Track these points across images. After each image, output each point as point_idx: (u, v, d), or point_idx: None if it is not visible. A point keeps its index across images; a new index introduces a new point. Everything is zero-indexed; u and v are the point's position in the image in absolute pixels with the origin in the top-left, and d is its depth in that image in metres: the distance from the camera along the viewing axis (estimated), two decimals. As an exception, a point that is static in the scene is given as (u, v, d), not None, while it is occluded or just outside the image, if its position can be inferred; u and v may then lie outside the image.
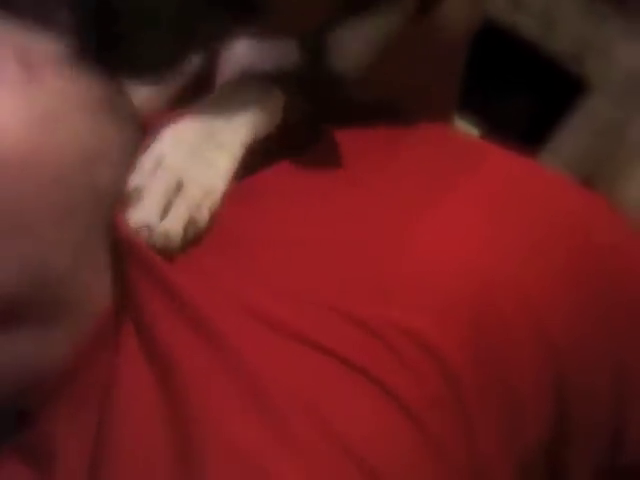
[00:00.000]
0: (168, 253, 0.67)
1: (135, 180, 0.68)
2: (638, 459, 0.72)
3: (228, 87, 0.74)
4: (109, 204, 0.68)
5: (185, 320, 0.65)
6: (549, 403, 0.68)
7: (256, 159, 0.72)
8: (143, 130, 0.71)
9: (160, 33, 0.69)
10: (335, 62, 0.76)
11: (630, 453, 0.72)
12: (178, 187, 0.68)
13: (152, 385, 0.63)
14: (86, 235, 0.67)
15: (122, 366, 0.65)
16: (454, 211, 0.70)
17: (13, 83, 0.66)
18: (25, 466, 0.68)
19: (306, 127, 0.75)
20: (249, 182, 0.71)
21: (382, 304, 0.65)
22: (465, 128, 0.88)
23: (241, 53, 0.78)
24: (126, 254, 0.68)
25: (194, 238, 0.68)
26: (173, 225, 0.67)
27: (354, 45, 0.75)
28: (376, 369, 0.62)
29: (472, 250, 0.68)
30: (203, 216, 0.68)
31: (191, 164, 0.69)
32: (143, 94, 0.79)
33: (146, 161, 0.69)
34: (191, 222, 0.68)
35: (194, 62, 0.76)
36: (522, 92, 1.81)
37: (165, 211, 0.68)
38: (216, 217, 0.69)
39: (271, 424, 0.60)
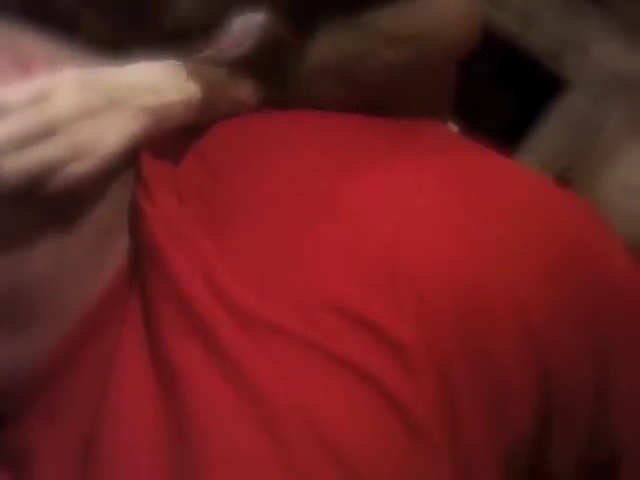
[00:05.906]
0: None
1: (8, 96, 0.63)
2: (617, 454, 0.74)
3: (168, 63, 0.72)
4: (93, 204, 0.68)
5: (189, 327, 0.64)
6: (535, 396, 0.69)
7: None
8: None
9: None
10: None
11: (609, 448, 0.73)
12: (51, 131, 0.63)
13: (151, 384, 0.63)
14: (68, 235, 0.67)
15: (121, 368, 0.65)
16: (443, 213, 0.71)
17: (9, 84, 0.66)
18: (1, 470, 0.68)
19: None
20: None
21: (367, 300, 0.65)
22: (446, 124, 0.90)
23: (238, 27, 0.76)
24: (144, 256, 0.68)
25: (59, 190, 0.64)
26: (20, 163, 0.61)
27: None
28: (370, 367, 0.63)
29: (459, 251, 0.69)
30: (71, 170, 0.64)
31: (83, 120, 0.64)
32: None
33: (33, 87, 0.64)
34: (48, 171, 0.63)
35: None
36: (501, 88, 1.83)
37: (22, 145, 0.62)
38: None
39: (268, 431, 0.60)
